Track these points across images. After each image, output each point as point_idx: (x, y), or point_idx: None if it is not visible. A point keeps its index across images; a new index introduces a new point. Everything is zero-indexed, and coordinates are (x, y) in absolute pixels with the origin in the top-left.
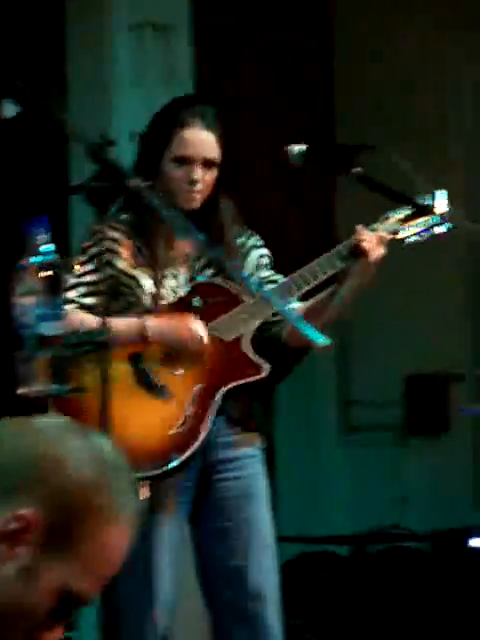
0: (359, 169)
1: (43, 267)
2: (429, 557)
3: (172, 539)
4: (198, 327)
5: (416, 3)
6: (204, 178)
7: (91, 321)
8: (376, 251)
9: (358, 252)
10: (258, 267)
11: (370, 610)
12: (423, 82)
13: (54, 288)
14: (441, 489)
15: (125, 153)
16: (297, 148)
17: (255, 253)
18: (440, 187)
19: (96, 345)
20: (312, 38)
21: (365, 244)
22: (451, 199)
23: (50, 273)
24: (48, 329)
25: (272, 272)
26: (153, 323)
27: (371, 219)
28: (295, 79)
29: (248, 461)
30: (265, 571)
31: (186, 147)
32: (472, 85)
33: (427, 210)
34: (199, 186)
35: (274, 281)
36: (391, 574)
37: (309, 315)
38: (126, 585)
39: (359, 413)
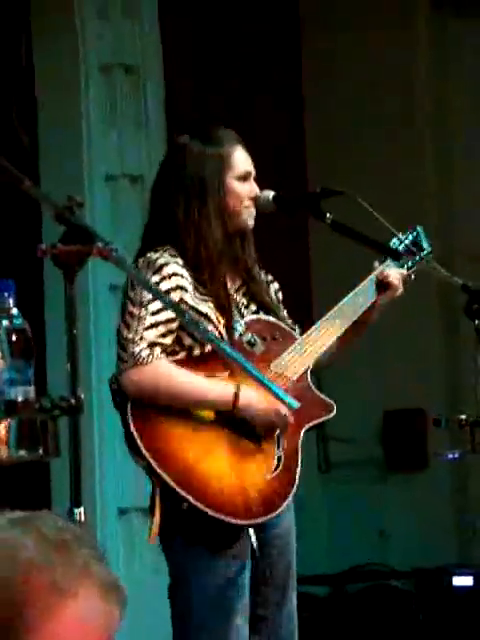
0: (331, 216)
1: (11, 331)
2: (411, 595)
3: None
4: (287, 412)
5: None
6: None
7: (188, 381)
8: (401, 288)
9: (385, 288)
10: (278, 301)
11: None
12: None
13: (22, 352)
14: (422, 526)
15: (102, 194)
16: (266, 194)
17: (272, 287)
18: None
19: (68, 410)
20: (281, 83)
21: (394, 280)
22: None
23: (18, 337)
24: (17, 394)
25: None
26: (245, 395)
27: (346, 263)
28: (265, 124)
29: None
30: (294, 621)
31: (245, 163)
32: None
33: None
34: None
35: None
36: (372, 613)
37: (334, 350)
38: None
39: (337, 450)
